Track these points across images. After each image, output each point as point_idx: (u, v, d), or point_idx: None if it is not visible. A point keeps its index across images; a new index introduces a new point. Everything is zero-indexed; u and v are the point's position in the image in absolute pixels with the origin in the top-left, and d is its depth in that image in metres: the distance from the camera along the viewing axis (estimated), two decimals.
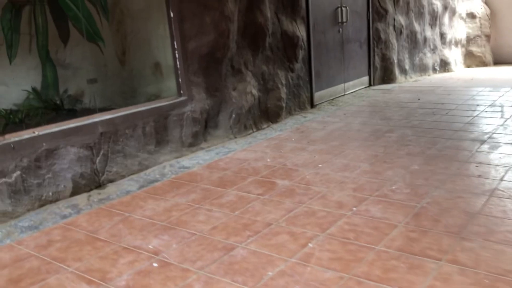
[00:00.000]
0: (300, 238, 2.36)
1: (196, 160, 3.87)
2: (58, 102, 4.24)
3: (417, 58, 8.20)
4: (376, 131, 4.35)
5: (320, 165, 3.48)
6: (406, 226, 2.40)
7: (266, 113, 4.91)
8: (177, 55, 4.01)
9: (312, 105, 5.62)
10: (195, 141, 4.15)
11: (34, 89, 4.20)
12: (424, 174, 3.15)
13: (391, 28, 7.22)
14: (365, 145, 3.93)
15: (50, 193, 3.11)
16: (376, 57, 7.00)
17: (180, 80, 4.07)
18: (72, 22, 4.58)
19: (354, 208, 2.67)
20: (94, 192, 3.29)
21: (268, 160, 3.70)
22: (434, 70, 8.87)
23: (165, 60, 4.18)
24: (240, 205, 2.85)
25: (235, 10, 4.40)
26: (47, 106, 4.14)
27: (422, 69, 8.43)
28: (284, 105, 5.12)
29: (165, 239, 2.46)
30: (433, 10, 8.54)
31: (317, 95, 5.69)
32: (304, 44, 5.38)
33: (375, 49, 6.95)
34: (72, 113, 4.27)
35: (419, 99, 5.70)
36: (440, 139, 3.96)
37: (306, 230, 2.44)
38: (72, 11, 4.53)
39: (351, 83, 6.47)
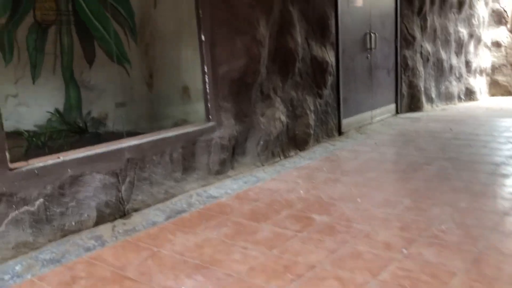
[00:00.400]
0: (350, 285, 2.13)
1: (224, 189, 3.67)
2: (81, 124, 4.10)
3: (443, 86, 8.01)
4: (412, 163, 4.12)
5: (358, 199, 3.26)
6: (467, 275, 2.16)
7: (294, 140, 4.72)
8: (207, 79, 3.87)
9: (340, 133, 5.42)
10: (222, 169, 3.96)
11: (57, 111, 4.07)
12: (474, 212, 2.92)
13: (418, 55, 7.06)
14: (403, 178, 3.71)
15: (73, 223, 2.93)
16: (404, 85, 6.82)
17: (209, 105, 3.91)
18: (99, 43, 4.49)
19: (404, 250, 2.44)
20: (119, 222, 3.10)
21: (301, 191, 3.49)
22: (460, 98, 8.66)
23: (194, 84, 4.04)
24: (277, 242, 2.63)
25: (267, 34, 4.26)
26: (71, 129, 4.00)
27: (448, 97, 8.23)
28: (312, 132, 4.94)
29: (199, 280, 2.25)
30: (459, 38, 8.38)
31: (344, 122, 5.50)
32: (333, 69, 5.22)
33: (403, 76, 6.78)
34: (96, 137, 4.12)
35: (451, 129, 5.48)
36: (483, 174, 3.72)
37: (355, 275, 2.21)
38: (99, 32, 4.44)
39: (378, 110, 6.28)
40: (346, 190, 3.48)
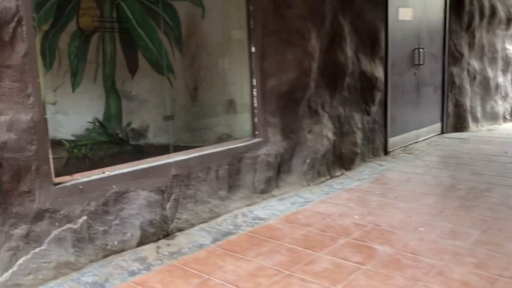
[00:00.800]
0: None
1: (271, 211, 3.45)
2: (123, 136, 3.94)
3: (489, 106, 7.63)
4: (472, 188, 3.82)
5: (421, 229, 2.98)
6: None
7: (340, 159, 4.47)
8: (255, 93, 3.67)
9: (386, 152, 5.15)
10: (267, 188, 3.74)
11: (99, 121, 3.92)
12: None
13: (465, 72, 6.73)
14: (466, 205, 3.41)
15: (116, 242, 2.74)
16: (450, 103, 6.50)
17: (256, 120, 3.71)
18: (142, 52, 4.34)
19: None
20: (163, 242, 2.91)
21: (356, 217, 3.24)
22: (505, 118, 8.25)
23: (241, 98, 3.85)
24: (339, 276, 2.38)
25: (317, 47, 4.05)
26: (112, 140, 3.84)
27: (493, 117, 7.84)
28: (359, 151, 4.68)
29: None
30: (506, 55, 8.01)
31: (390, 141, 5.22)
32: (381, 85, 4.97)
33: (449, 94, 6.46)
34: (138, 149, 3.96)
35: (506, 152, 5.14)
36: None
37: None
38: (143, 41, 4.29)
39: (424, 129, 5.98)
40: (404, 217, 3.21)
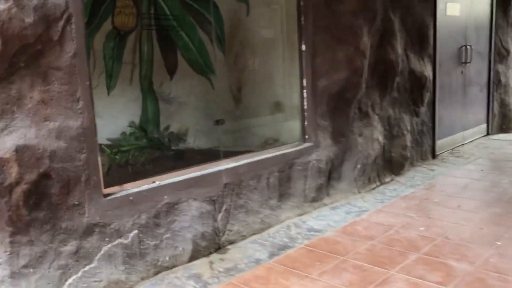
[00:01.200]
0: None
1: (325, 221, 3.20)
2: (164, 141, 3.74)
3: None
4: None
5: (498, 243, 2.71)
6: None
7: (390, 164, 4.21)
8: (305, 94, 3.44)
9: (434, 156, 4.86)
10: (318, 196, 3.50)
11: (139, 125, 3.73)
12: None
13: (510, 71, 6.39)
14: None
15: (167, 258, 2.54)
16: (495, 103, 6.17)
17: (306, 123, 3.47)
18: (182, 52, 4.13)
19: None
20: (215, 257, 2.69)
21: (421, 229, 2.98)
22: None
23: (289, 100, 3.62)
24: None
25: (368, 44, 3.80)
26: (153, 145, 3.64)
27: None
28: (408, 154, 4.40)
29: None
30: None
31: (438, 143, 4.93)
32: (430, 85, 4.68)
33: (494, 93, 6.13)
34: (179, 155, 3.76)
35: None
36: None
37: None
38: (182, 40, 4.09)
39: (470, 131, 5.66)
40: (475, 229, 2.93)
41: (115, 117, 4.25)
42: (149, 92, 4.21)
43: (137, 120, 4.21)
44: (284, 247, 2.80)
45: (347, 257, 2.60)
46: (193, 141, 4.09)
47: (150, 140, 3.69)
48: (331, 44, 3.51)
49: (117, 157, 3.30)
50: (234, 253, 2.73)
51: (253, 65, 3.87)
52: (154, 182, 2.56)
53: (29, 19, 1.95)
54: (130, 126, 3.79)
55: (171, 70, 4.19)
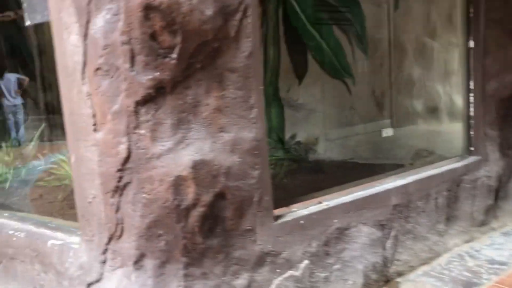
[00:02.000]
0: None
1: (505, 251, 2.66)
2: (301, 152, 3.39)
3: None
4: None
5: None
6: None
7: None
8: (471, 99, 2.92)
9: None
10: (486, 219, 2.96)
11: (278, 135, 3.40)
12: None
13: None
14: None
15: None
16: None
17: (471, 132, 2.95)
18: (313, 54, 3.76)
19: None
20: None
21: None
22: None
23: (449, 105, 3.12)
24: None
25: None
26: (290, 157, 3.30)
27: None
28: None
29: None
30: None
31: None
32: None
33: None
34: (318, 167, 3.38)
35: None
36: None
37: None
38: (314, 41, 3.71)
39: None
40: None
41: None
42: (274, 99, 3.88)
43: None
44: (470, 284, 2.31)
45: None
46: (324, 152, 3.71)
47: (287, 151, 3.35)
48: (503, 40, 2.97)
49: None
50: None
51: (401, 66, 3.41)
52: (320, 202, 2.19)
53: (209, 11, 1.65)
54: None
55: (300, 74, 3.83)
